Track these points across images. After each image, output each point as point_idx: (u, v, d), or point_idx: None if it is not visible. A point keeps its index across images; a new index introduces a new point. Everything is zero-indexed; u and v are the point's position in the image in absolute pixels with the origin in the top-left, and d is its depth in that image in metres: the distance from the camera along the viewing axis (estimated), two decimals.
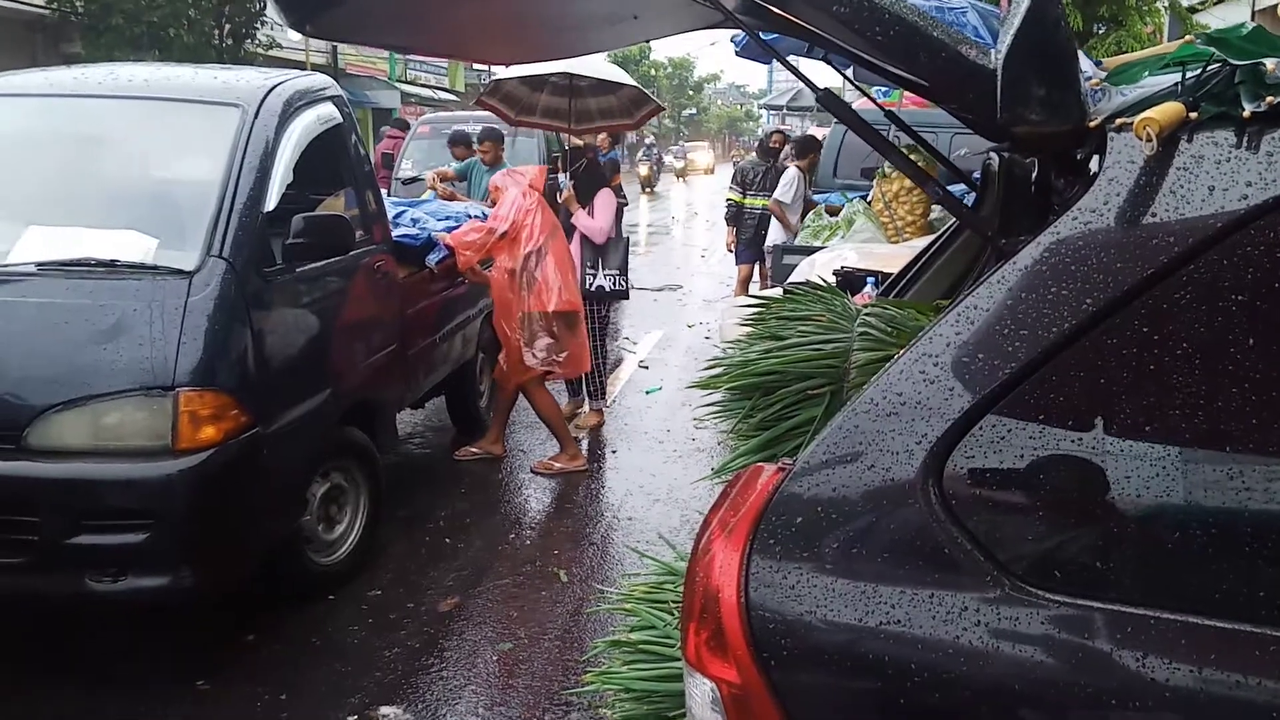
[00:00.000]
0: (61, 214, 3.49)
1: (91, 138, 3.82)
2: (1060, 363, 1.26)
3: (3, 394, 3.02)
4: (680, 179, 40.74)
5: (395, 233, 4.71)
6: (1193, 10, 11.82)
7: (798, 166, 8.22)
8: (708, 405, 2.57)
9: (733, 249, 9.18)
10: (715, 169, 48.65)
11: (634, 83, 6.73)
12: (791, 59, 2.74)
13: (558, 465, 5.29)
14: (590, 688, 2.25)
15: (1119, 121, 1.32)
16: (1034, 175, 1.60)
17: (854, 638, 1.27)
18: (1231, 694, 1.16)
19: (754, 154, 9.49)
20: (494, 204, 5.26)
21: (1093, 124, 1.36)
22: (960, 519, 1.25)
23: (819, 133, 13.39)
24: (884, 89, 8.66)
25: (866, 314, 2.38)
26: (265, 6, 16.83)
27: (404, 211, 5.32)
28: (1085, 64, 1.54)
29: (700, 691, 1.36)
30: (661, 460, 5.50)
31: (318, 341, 3.73)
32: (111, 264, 3.23)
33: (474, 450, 5.45)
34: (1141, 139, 1.22)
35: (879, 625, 1.25)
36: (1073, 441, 1.26)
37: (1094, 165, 1.36)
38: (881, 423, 1.30)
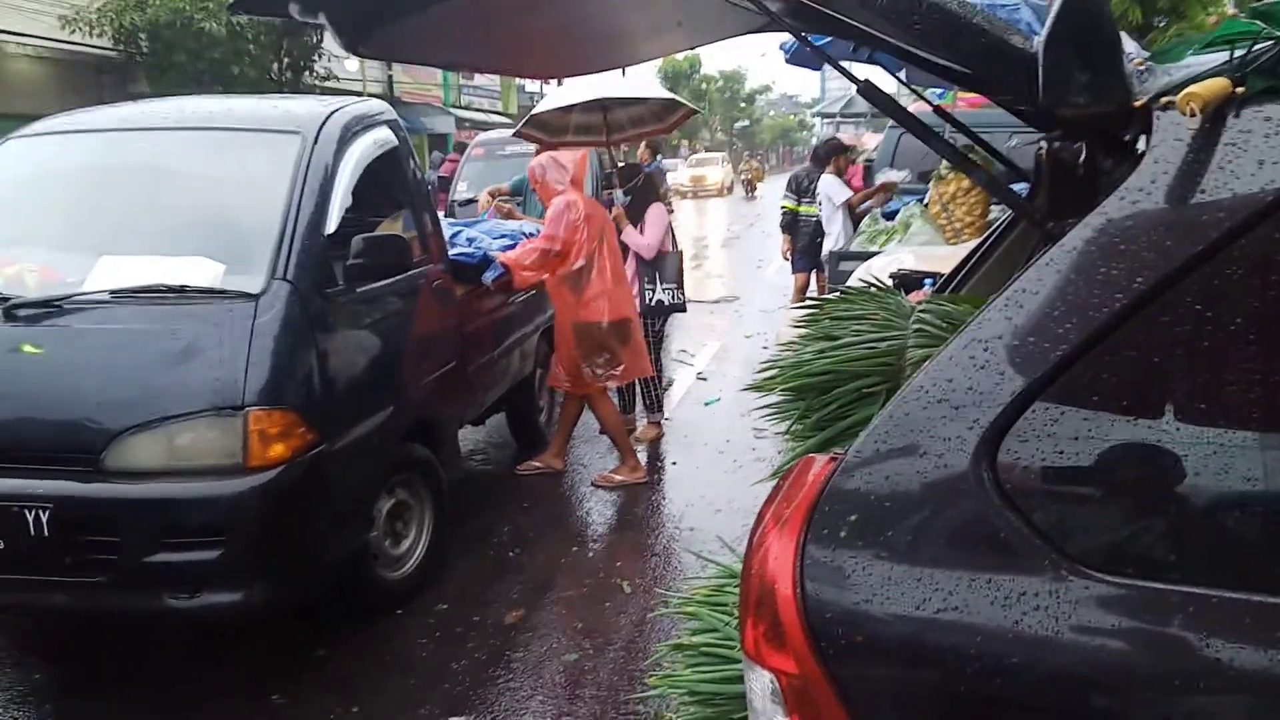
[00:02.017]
0: (132, 243, 3.62)
1: (159, 169, 3.95)
2: (1112, 344, 1.25)
3: (81, 418, 3.13)
4: (682, 199, 32.38)
5: (452, 252, 4.80)
6: None
7: (829, 173, 8.16)
8: (764, 409, 2.58)
9: (789, 257, 9.15)
10: (732, 188, 39.81)
11: (661, 94, 6.79)
12: (845, 65, 2.74)
13: (619, 478, 5.31)
14: (654, 692, 2.26)
15: (1164, 100, 1.31)
16: (1081, 158, 1.59)
17: (911, 626, 1.26)
18: None
19: (808, 161, 9.46)
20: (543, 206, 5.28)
21: (1138, 104, 1.35)
22: (1016, 504, 1.24)
23: (873, 139, 13.31)
24: (939, 90, 8.60)
25: (921, 311, 2.37)
26: (322, 40, 17.27)
27: (460, 231, 5.41)
28: (1129, 45, 1.53)
29: (760, 684, 1.36)
30: (722, 471, 5.49)
31: (380, 359, 3.81)
32: (181, 289, 3.34)
33: (535, 465, 5.51)
34: (1186, 114, 1.21)
35: (936, 613, 1.25)
36: (1127, 423, 1.25)
37: (1141, 146, 1.35)
38: (933, 410, 1.30)
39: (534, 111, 6.72)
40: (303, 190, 3.57)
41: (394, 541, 3.91)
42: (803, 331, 2.73)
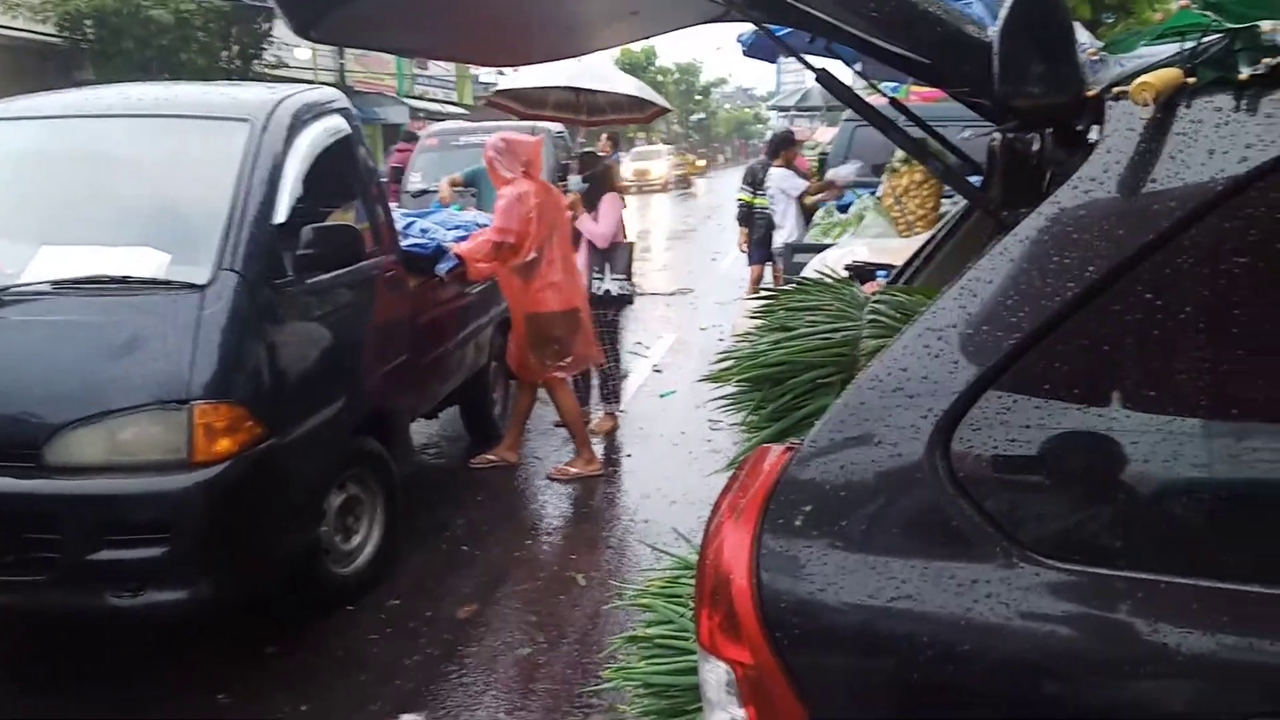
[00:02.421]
0: (75, 233, 3.53)
1: (103, 156, 3.86)
2: (1064, 333, 1.26)
3: (20, 412, 3.05)
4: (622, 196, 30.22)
5: (405, 242, 4.74)
6: None
7: (777, 166, 8.20)
8: (719, 400, 2.58)
9: (745, 249, 9.18)
10: (671, 185, 36.07)
11: (637, 93, 6.80)
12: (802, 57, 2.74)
13: (573, 470, 5.29)
14: (609, 685, 2.24)
15: (1116, 90, 1.31)
16: (1035, 149, 1.59)
17: (866, 615, 1.26)
18: (1244, 656, 1.14)
19: (763, 154, 9.50)
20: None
21: (1091, 94, 1.36)
22: (969, 492, 1.24)
23: (828, 133, 13.37)
24: (894, 84, 8.66)
25: (875, 301, 2.38)
26: (272, 27, 16.99)
27: (413, 222, 5.35)
28: (1082, 35, 1.53)
29: (715, 675, 1.35)
30: (677, 462, 5.49)
31: (330, 352, 3.74)
32: (124, 280, 3.26)
33: (489, 458, 5.47)
34: (1138, 104, 1.21)
35: (890, 601, 1.25)
36: (1078, 410, 1.26)
37: (1094, 136, 1.35)
38: (887, 399, 1.30)
39: (511, 86, 6.68)
40: (251, 179, 3.50)
41: (345, 536, 3.86)
42: (758, 323, 2.73)
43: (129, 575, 2.99)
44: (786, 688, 1.27)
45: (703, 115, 68.32)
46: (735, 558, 1.33)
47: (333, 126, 4.09)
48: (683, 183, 37.30)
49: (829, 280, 2.81)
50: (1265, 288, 1.23)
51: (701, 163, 48.22)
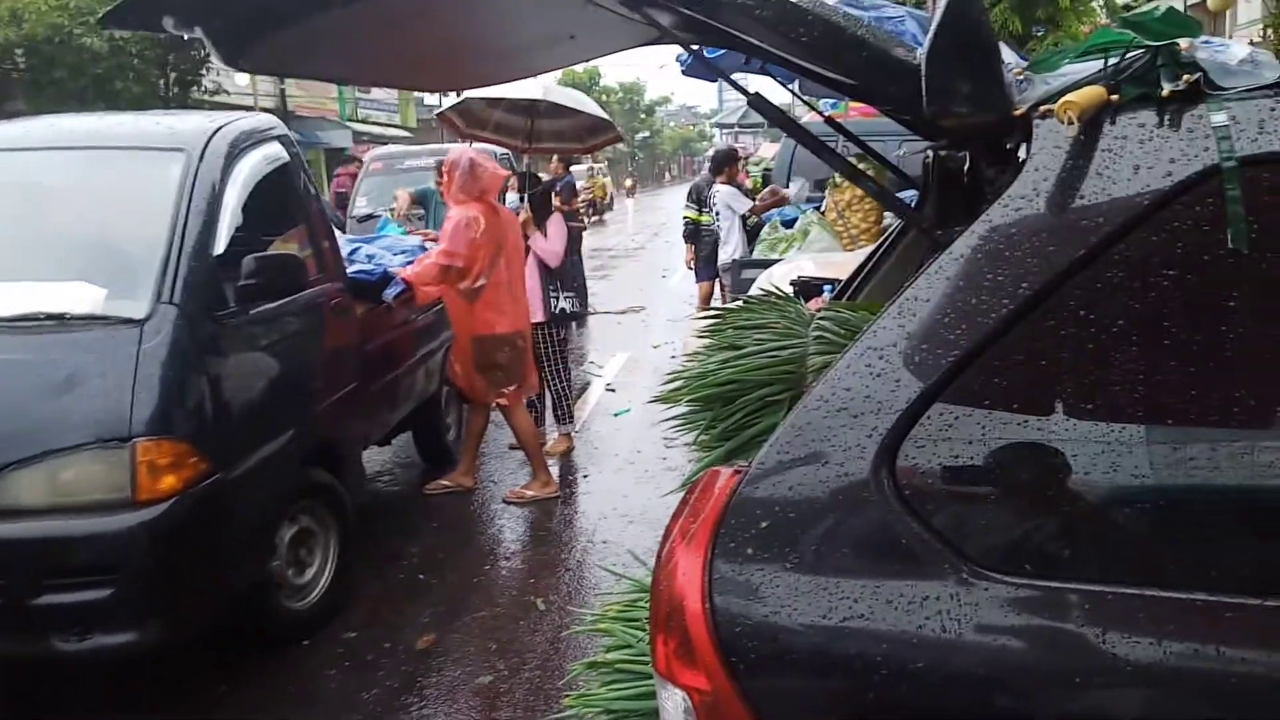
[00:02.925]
0: (7, 268, 3.45)
1: (35, 190, 3.78)
2: (1001, 348, 1.28)
3: None
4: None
5: (351, 269, 4.69)
6: (1127, 9, 12.11)
7: (722, 184, 8.25)
8: (672, 420, 2.58)
9: (692, 267, 9.22)
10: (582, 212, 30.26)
11: (601, 113, 6.82)
12: (738, 77, 2.76)
13: (530, 494, 5.26)
14: (570, 713, 2.22)
15: (1043, 109, 1.34)
16: (966, 167, 1.62)
17: (819, 636, 1.27)
18: (1190, 663, 1.17)
19: (706, 171, 9.56)
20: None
21: (1018, 113, 1.39)
22: (915, 509, 1.26)
23: (771, 149, 13.53)
24: (831, 101, 8.78)
25: (820, 318, 2.40)
26: (209, 54, 16.78)
27: (359, 248, 5.29)
28: (1008, 55, 1.57)
29: (672, 702, 1.35)
30: (633, 481, 5.49)
31: (276, 383, 3.69)
32: (60, 317, 3.19)
33: (444, 484, 5.41)
34: (1063, 121, 1.24)
35: (843, 622, 1.25)
36: (1018, 425, 1.28)
37: (1023, 154, 1.38)
38: (832, 419, 1.31)
39: (469, 95, 6.63)
40: (188, 210, 3.44)
41: (298, 570, 3.79)
42: (707, 341, 2.74)
43: (75, 619, 2.91)
44: (744, 712, 1.28)
45: (648, 134, 68.68)
46: (688, 583, 1.33)
47: (271, 154, 4.05)
48: (591, 211, 26.11)
49: (775, 298, 2.83)
50: (1193, 298, 1.26)
51: (628, 182, 45.27)
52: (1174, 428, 1.27)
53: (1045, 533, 1.27)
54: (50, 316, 3.19)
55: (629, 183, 42.99)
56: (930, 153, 1.90)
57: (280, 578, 3.65)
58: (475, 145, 7.95)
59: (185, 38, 2.25)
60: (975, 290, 1.29)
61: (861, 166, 3.18)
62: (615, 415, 6.96)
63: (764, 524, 1.31)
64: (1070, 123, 1.25)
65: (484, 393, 5.22)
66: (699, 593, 1.31)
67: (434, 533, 4.88)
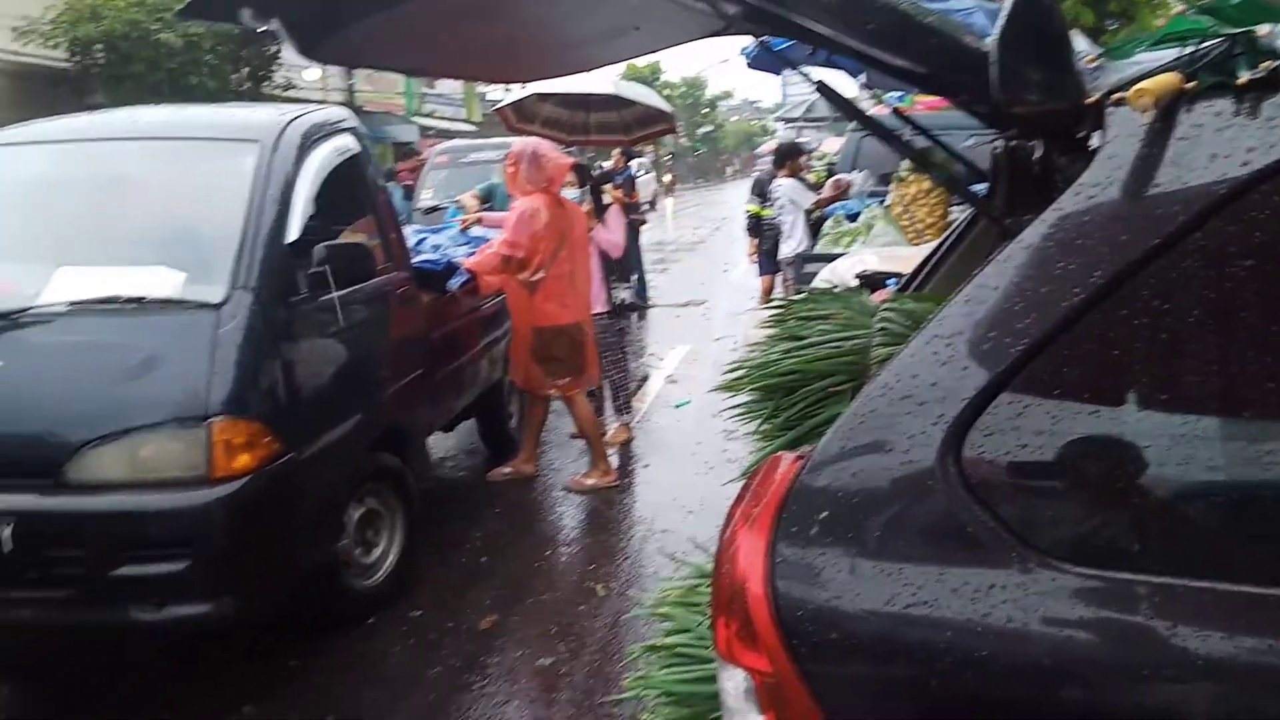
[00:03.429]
0: (90, 254, 3.58)
1: (116, 179, 3.91)
2: (1071, 338, 1.27)
3: (41, 431, 3.09)
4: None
5: (416, 259, 4.78)
6: None
7: (784, 177, 8.19)
8: (733, 410, 2.60)
9: (755, 260, 9.20)
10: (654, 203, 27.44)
11: (666, 106, 6.90)
12: (803, 70, 2.76)
13: (590, 482, 5.31)
14: (630, 695, 2.26)
15: (1116, 97, 1.33)
16: (1037, 156, 1.61)
17: (882, 622, 1.27)
18: (1264, 659, 1.15)
19: (768, 165, 9.52)
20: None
21: (1090, 101, 1.38)
22: (981, 497, 1.26)
23: (835, 143, 13.40)
24: (898, 94, 8.69)
25: (885, 309, 2.40)
26: (281, 49, 17.11)
27: (425, 239, 5.39)
28: (1081, 43, 1.55)
29: (733, 683, 1.37)
30: (693, 472, 5.50)
31: (346, 368, 3.78)
32: (141, 300, 3.30)
33: (506, 471, 5.49)
34: (1137, 109, 1.23)
35: (906, 608, 1.26)
36: (1088, 415, 1.27)
37: (1095, 142, 1.37)
38: (897, 406, 1.32)
39: (533, 90, 6.76)
40: (263, 198, 3.54)
41: (365, 550, 3.88)
42: (769, 332, 2.75)
43: (151, 590, 3.02)
44: (805, 694, 1.29)
45: (710, 128, 68.38)
46: (750, 566, 1.35)
47: (342, 145, 4.14)
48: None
49: (839, 290, 2.82)
50: (1270, 289, 1.24)
51: (667, 178, 39.32)
52: (1247, 421, 1.25)
53: (1114, 524, 1.27)
54: (131, 300, 3.30)
55: (668, 178, 38.12)
56: (1000, 143, 1.88)
57: (348, 557, 3.74)
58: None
59: (260, 30, 2.31)
60: (1045, 279, 1.28)
61: (928, 157, 3.16)
62: (675, 407, 6.98)
63: (827, 510, 1.32)
64: (1144, 109, 1.24)
65: (540, 383, 5.28)
66: (761, 576, 1.33)
67: (496, 518, 4.95)
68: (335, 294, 3.71)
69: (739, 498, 1.48)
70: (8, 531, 2.95)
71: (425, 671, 3.45)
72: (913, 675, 1.27)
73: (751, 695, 1.33)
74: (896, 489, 1.31)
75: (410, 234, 5.17)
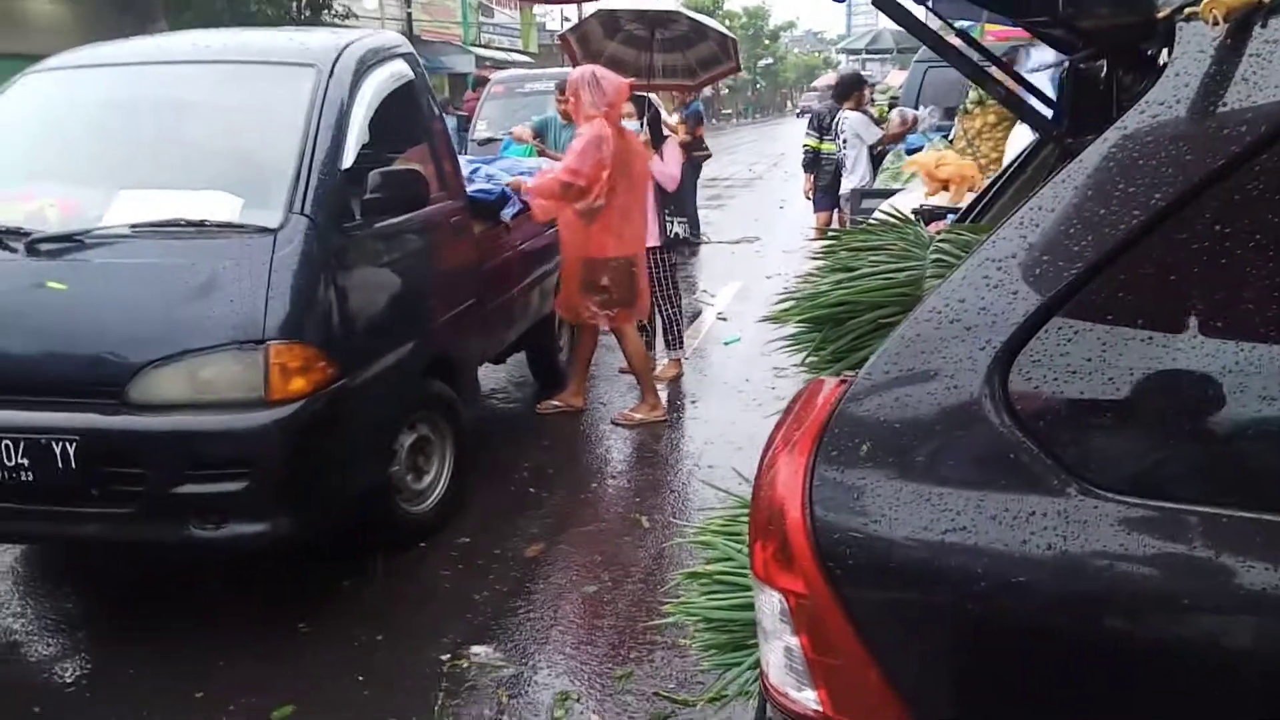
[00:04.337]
0: (150, 177, 3.63)
1: (174, 102, 3.94)
2: (1128, 262, 1.23)
3: (105, 352, 3.17)
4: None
5: (470, 188, 4.77)
6: None
7: (849, 109, 8.00)
8: (781, 343, 2.57)
9: (810, 196, 9.05)
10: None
11: (727, 33, 6.77)
12: None
13: (638, 416, 5.33)
14: (670, 620, 2.28)
15: (1187, 11, 1.26)
16: (1103, 74, 1.54)
17: (919, 547, 1.26)
18: None
19: (827, 97, 9.31)
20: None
21: (1161, 15, 1.31)
22: (1026, 424, 1.23)
23: (899, 76, 13.05)
24: (967, 24, 8.43)
25: (940, 240, 2.34)
26: None
27: (478, 168, 5.38)
28: None
29: (769, 604, 1.37)
30: (741, 409, 5.50)
31: (398, 295, 3.81)
32: (200, 224, 3.35)
33: (555, 403, 5.53)
34: (1208, 22, 1.17)
35: (944, 534, 1.25)
36: (1142, 341, 1.23)
37: (1164, 59, 1.31)
38: (944, 330, 1.29)
39: (601, 8, 6.69)
40: (318, 124, 3.56)
41: (416, 476, 3.95)
42: (820, 263, 2.71)
43: (211, 508, 3.11)
44: (840, 617, 1.29)
45: (770, 60, 67.01)
46: (789, 489, 1.34)
47: (397, 72, 4.13)
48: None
49: (894, 221, 2.77)
50: None
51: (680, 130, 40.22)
52: None
53: (1159, 453, 1.23)
54: (190, 223, 3.35)
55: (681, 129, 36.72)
56: (1068, 64, 1.81)
57: (399, 482, 3.81)
58: None
59: None
60: (1104, 200, 1.24)
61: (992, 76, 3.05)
62: (726, 344, 6.96)
63: (868, 434, 1.30)
64: (1215, 23, 1.17)
65: (590, 315, 5.25)
66: (799, 499, 1.32)
67: (544, 450, 5.01)
68: (389, 221, 3.74)
69: (781, 420, 1.47)
70: (72, 449, 3.05)
71: (472, 596, 3.53)
72: (948, 601, 1.26)
73: (787, 617, 1.33)
74: (940, 415, 1.29)
75: (465, 164, 5.16)
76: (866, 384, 1.34)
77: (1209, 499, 1.18)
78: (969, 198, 3.85)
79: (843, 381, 1.38)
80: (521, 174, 5.42)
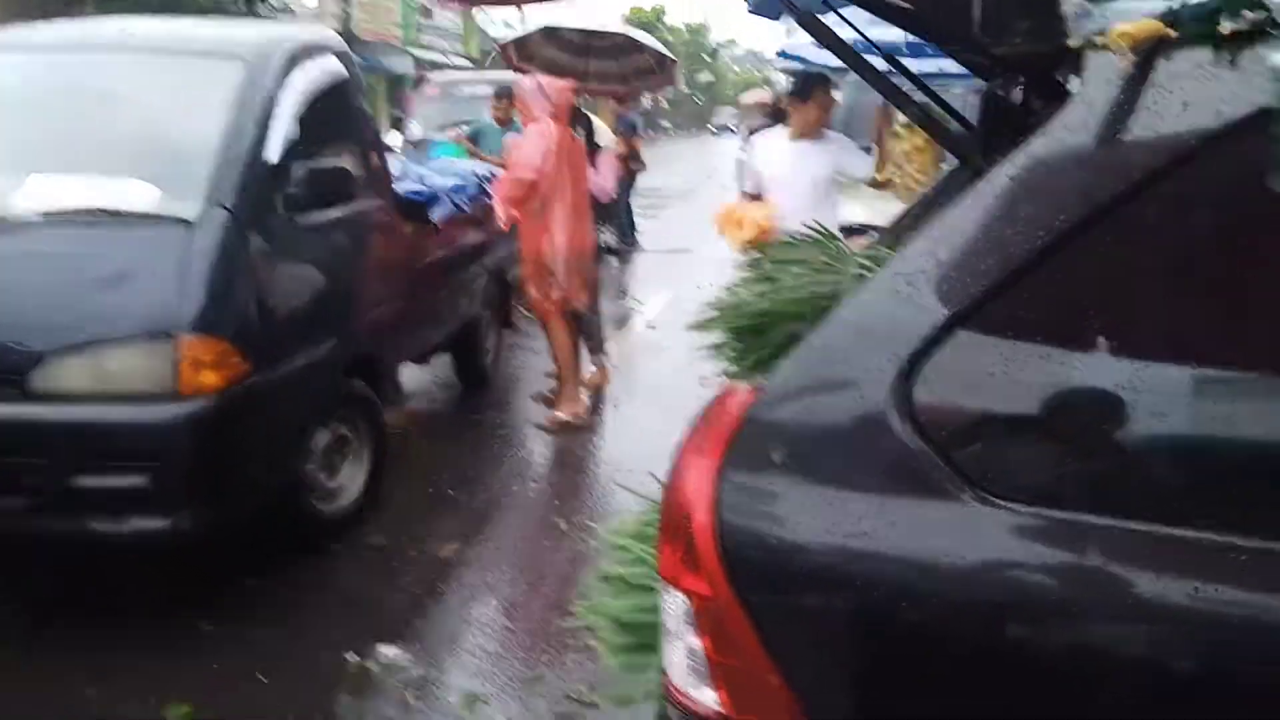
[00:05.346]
0: (66, 164, 3.51)
1: (96, 90, 3.82)
2: (1032, 281, 1.26)
3: (8, 339, 3.05)
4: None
5: (399, 187, 4.72)
6: None
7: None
8: (706, 350, 2.59)
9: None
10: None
11: (667, 53, 6.90)
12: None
13: (561, 416, 5.30)
14: (581, 623, 2.27)
15: (1097, 41, 1.31)
16: (1018, 100, 1.59)
17: (822, 551, 1.28)
18: (1192, 603, 1.17)
19: (762, 116, 9.43)
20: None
21: (1072, 45, 1.36)
22: (928, 432, 1.26)
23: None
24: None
25: (861, 257, 2.39)
26: None
27: (410, 168, 5.34)
28: None
29: (675, 606, 1.38)
30: (664, 416, 5.44)
31: (319, 292, 3.75)
32: (115, 213, 3.25)
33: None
34: (1116, 53, 1.21)
35: (846, 539, 1.27)
36: (1041, 357, 1.27)
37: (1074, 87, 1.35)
38: (852, 341, 1.31)
39: (548, 25, 6.76)
40: (243, 117, 3.49)
41: (331, 475, 3.88)
42: (746, 275, 2.74)
43: (112, 502, 3.01)
44: (742, 619, 1.30)
45: (712, 79, 67.63)
46: (697, 492, 1.35)
47: (328, 68, 4.06)
48: None
49: (818, 235, 2.81)
50: (1231, 241, 1.23)
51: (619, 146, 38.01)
52: (1201, 368, 1.25)
53: (1058, 465, 1.27)
54: (106, 211, 3.26)
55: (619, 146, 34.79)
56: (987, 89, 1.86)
57: (313, 481, 3.73)
58: None
59: None
60: (1010, 220, 1.27)
61: (913, 101, 3.12)
62: (652, 351, 6.98)
63: (776, 440, 1.32)
64: (1123, 54, 1.22)
65: (538, 304, 5.28)
66: (707, 502, 1.33)
67: (466, 453, 4.96)
68: (312, 217, 3.68)
69: (692, 426, 1.48)
70: None
71: (384, 597, 3.47)
72: (850, 605, 1.28)
73: (690, 618, 1.34)
74: (846, 423, 1.31)
75: (395, 164, 5.11)
76: (777, 390, 1.36)
77: (1102, 510, 1.21)
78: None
79: (754, 388, 1.40)
80: (454, 176, 5.39)
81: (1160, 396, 1.26)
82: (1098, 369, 1.29)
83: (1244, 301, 1.24)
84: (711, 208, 5.82)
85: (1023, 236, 1.26)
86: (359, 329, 4.03)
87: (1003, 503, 1.22)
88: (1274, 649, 1.14)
